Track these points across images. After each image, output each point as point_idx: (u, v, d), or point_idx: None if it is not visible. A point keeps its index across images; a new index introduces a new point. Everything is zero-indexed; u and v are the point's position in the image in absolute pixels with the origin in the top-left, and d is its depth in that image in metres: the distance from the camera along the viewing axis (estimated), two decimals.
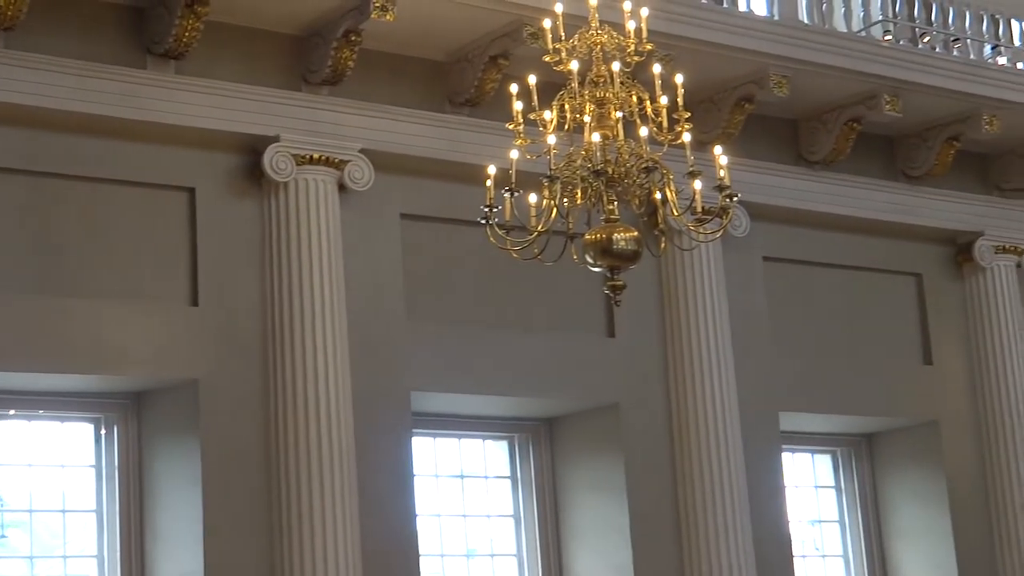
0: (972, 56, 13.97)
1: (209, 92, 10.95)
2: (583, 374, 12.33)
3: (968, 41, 14.00)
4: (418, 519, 11.56)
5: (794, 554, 13.22)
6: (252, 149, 11.15)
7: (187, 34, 10.65)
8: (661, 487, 12.41)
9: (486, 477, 12.78)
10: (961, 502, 14.04)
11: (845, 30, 13.31)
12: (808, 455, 14.38)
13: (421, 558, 11.47)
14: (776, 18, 12.80)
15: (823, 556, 14.25)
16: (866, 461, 14.51)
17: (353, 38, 11.10)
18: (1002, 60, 14.15)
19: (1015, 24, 14.46)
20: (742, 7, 12.68)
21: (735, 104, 12.74)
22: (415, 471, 11.60)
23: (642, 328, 12.59)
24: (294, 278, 10.99)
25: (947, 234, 14.48)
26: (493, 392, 12.09)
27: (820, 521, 14.34)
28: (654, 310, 12.66)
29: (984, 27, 14.16)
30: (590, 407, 12.55)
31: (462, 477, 12.67)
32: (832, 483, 14.50)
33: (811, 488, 14.36)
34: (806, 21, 13.01)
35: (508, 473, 12.85)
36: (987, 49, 14.14)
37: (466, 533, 12.59)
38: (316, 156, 11.20)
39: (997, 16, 14.29)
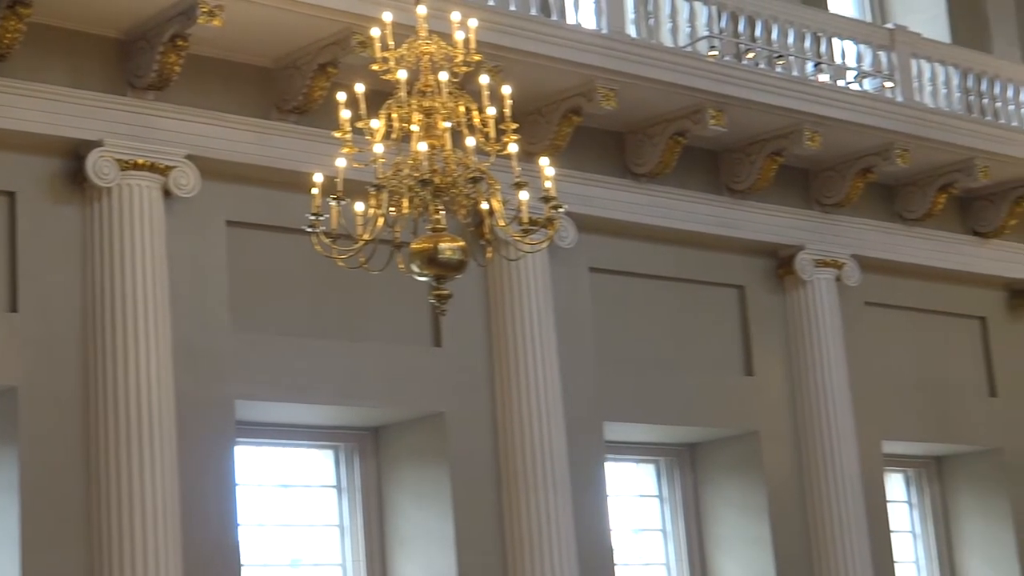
0: (795, 73, 14.21)
1: (32, 95, 10.75)
2: (409, 383, 12.32)
3: (791, 58, 14.24)
4: (241, 528, 11.46)
5: (616, 563, 13.33)
6: (75, 153, 10.97)
7: (9, 35, 10.43)
8: (486, 496, 12.44)
9: (311, 486, 12.71)
10: (780, 511, 14.27)
11: (672, 45, 13.47)
12: (631, 464, 14.51)
13: (244, 568, 11.37)
14: (604, 31, 12.91)
15: (645, 565, 14.38)
16: (688, 471, 14.69)
17: (180, 43, 10.97)
18: (824, 77, 14.41)
19: (836, 42, 14.74)
20: (570, 20, 12.76)
21: (563, 116, 12.83)
22: (239, 480, 11.50)
23: (468, 338, 12.62)
24: (116, 285, 10.83)
25: (769, 247, 14.72)
26: (318, 401, 12.02)
27: (643, 530, 14.47)
28: (480, 320, 12.70)
29: (807, 45, 14.41)
30: (416, 416, 12.55)
31: (287, 487, 12.58)
32: (655, 492, 14.65)
33: (634, 497, 14.49)
34: (634, 35, 13.15)
35: (333, 482, 12.79)
36: (809, 66, 14.39)
37: (290, 542, 12.50)
38: (140, 161, 11.05)
39: (819, 34, 14.55)
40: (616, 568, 13.27)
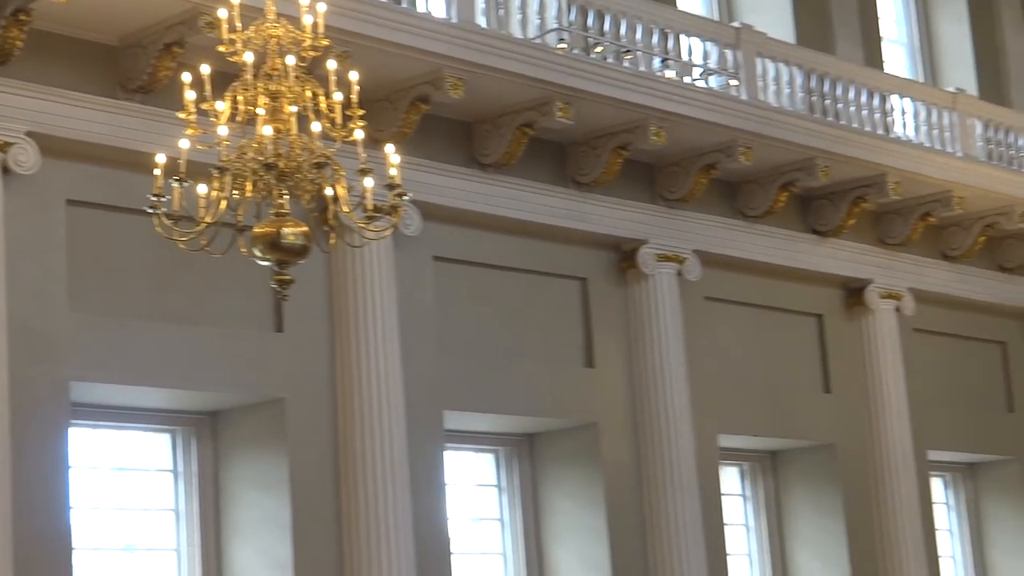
0: (642, 68, 14.32)
1: None
2: (249, 368, 12.23)
3: (639, 53, 14.36)
4: (74, 512, 11.30)
5: (453, 552, 13.36)
6: None
7: None
8: (324, 483, 12.39)
9: (147, 470, 12.57)
10: (616, 502, 14.38)
11: (521, 36, 13.51)
12: (471, 454, 14.54)
13: (76, 552, 11.21)
14: (454, 20, 12.91)
15: (482, 554, 14.42)
16: (527, 461, 14.75)
17: (22, 17, 10.76)
18: (670, 73, 14.54)
19: (684, 39, 14.88)
20: (420, 8, 12.74)
21: (410, 104, 12.81)
22: (73, 463, 11.34)
23: (310, 324, 12.55)
24: None
25: (612, 240, 14.83)
26: (156, 384, 11.89)
27: (481, 519, 14.51)
28: (322, 306, 12.64)
29: (654, 40, 14.53)
30: (255, 401, 12.46)
31: (122, 470, 12.43)
32: (494, 482, 14.70)
33: (473, 486, 14.52)
34: (483, 25, 13.17)
35: (170, 467, 12.66)
36: (656, 62, 14.51)
37: (125, 527, 12.35)
38: None
39: (667, 31, 14.68)
40: (453, 557, 13.31)
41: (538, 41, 13.56)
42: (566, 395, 14.34)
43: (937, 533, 17.71)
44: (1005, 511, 18.79)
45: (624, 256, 14.91)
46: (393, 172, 8.55)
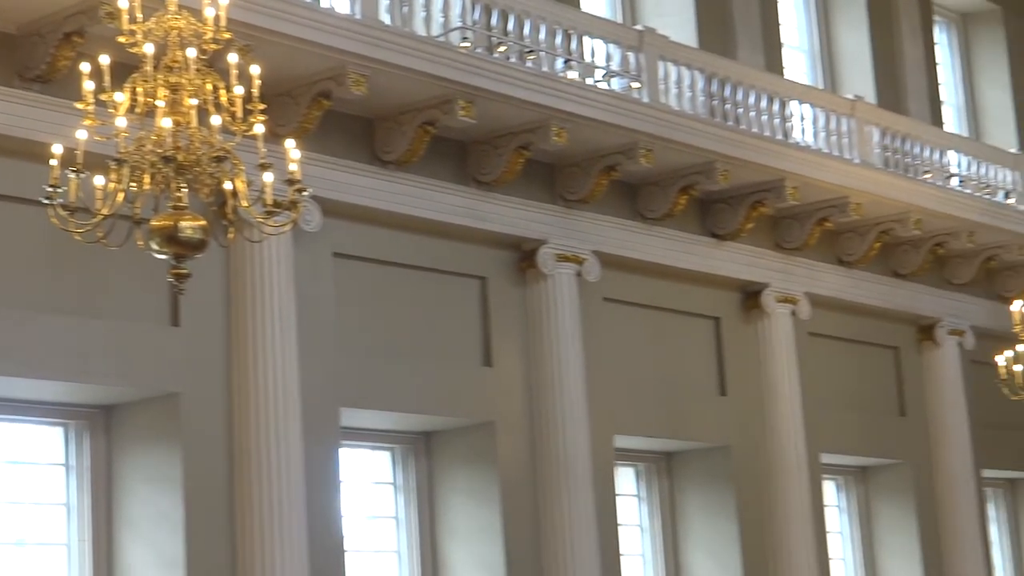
0: (545, 68, 14.35)
1: None
2: (144, 362, 12.12)
3: (542, 54, 14.38)
4: None
5: (347, 550, 13.32)
6: None
7: None
8: (218, 479, 12.30)
9: (38, 464, 12.42)
10: (512, 502, 14.41)
11: (424, 34, 13.48)
12: (367, 451, 14.50)
13: None
14: (357, 16, 12.86)
15: (377, 552, 14.39)
16: (423, 459, 14.74)
17: None
18: (573, 75, 14.58)
19: (587, 41, 14.92)
20: (324, 3, 12.68)
21: (312, 99, 12.75)
22: None
23: (206, 318, 12.46)
24: None
25: (512, 240, 14.85)
26: (49, 376, 11.75)
27: (376, 517, 14.48)
28: (219, 301, 12.55)
29: (558, 41, 14.56)
30: (149, 396, 12.35)
31: (14, 463, 12.28)
32: (390, 480, 14.67)
33: (369, 484, 14.49)
34: (387, 22, 13.13)
35: (62, 460, 12.52)
36: (559, 63, 14.55)
37: (15, 521, 12.20)
38: None
39: (571, 32, 14.72)
40: (347, 555, 13.27)
41: (441, 39, 13.55)
42: (463, 394, 14.35)
43: (828, 535, 17.89)
44: (895, 514, 19.02)
45: (524, 256, 14.94)
46: (293, 167, 8.51)
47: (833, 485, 18.98)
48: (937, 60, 22.00)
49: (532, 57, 14.28)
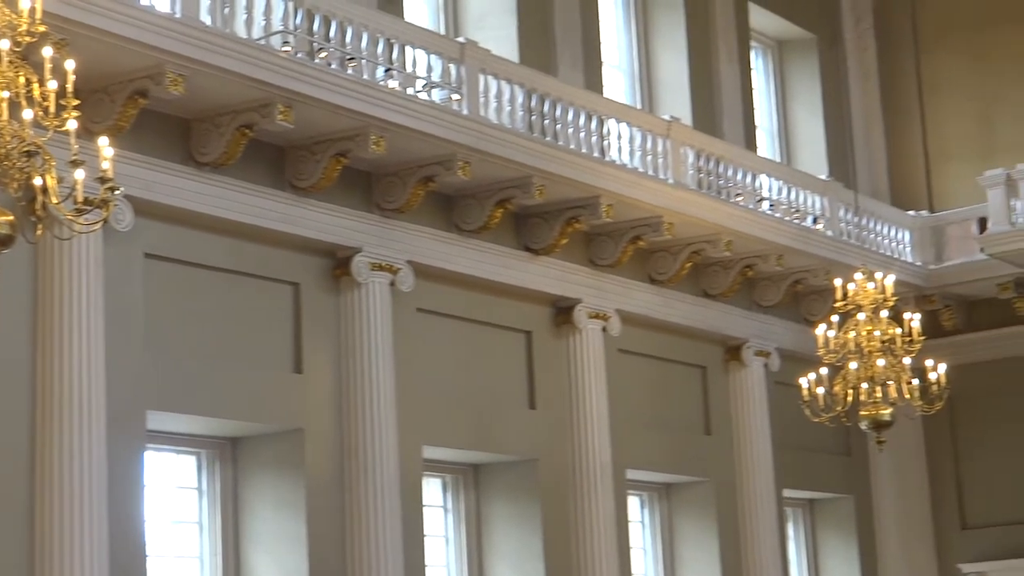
0: (366, 76, 14.32)
1: None
2: None
3: (363, 61, 14.35)
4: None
5: (149, 554, 13.14)
6: None
7: None
8: (20, 480, 12.02)
9: None
10: (318, 510, 14.33)
11: (245, 36, 13.38)
12: (172, 455, 14.33)
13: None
14: (177, 15, 12.72)
15: (179, 557, 14.21)
16: (230, 464, 14.59)
17: None
18: (393, 84, 14.58)
19: (409, 51, 14.92)
20: (144, 0, 12.52)
21: (128, 97, 12.59)
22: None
23: (11, 315, 12.19)
24: None
25: (327, 247, 14.79)
26: None
27: (180, 522, 14.30)
28: (26, 299, 12.29)
29: (379, 50, 14.55)
30: None
31: None
32: (195, 485, 14.51)
33: (173, 488, 14.31)
34: (208, 22, 13.00)
35: None
36: (380, 71, 14.53)
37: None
38: None
39: (392, 41, 14.71)
40: (148, 560, 13.08)
41: (262, 42, 13.45)
42: (272, 400, 14.24)
43: (632, 551, 18.09)
44: (697, 531, 19.29)
45: (338, 263, 14.88)
46: (106, 165, 8.40)
47: (638, 501, 19.19)
48: (753, 85, 22.41)
49: (353, 64, 14.24)
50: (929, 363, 16.04)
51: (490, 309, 16.57)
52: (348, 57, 14.21)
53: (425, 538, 15.54)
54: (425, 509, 15.67)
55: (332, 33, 14.14)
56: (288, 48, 13.61)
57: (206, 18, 13.04)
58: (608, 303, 17.74)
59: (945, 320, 22.34)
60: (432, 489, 16.50)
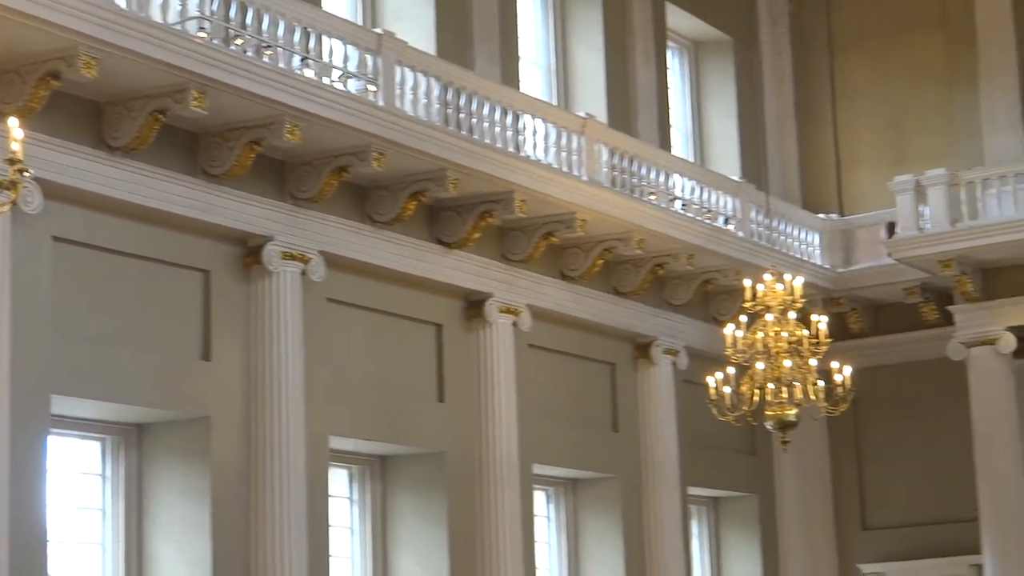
0: (282, 65, 14.27)
1: None
2: None
3: (279, 50, 14.30)
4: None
5: (51, 540, 13.03)
6: None
7: None
8: None
9: None
10: (223, 498, 14.27)
11: (161, 20, 13.28)
12: (77, 440, 14.21)
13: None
14: None
15: (81, 544, 14.11)
16: (135, 451, 14.50)
17: None
18: (309, 73, 14.53)
19: (325, 40, 14.88)
20: None
21: (40, 79, 12.47)
22: None
23: None
24: None
25: (238, 235, 14.73)
26: None
27: (83, 508, 14.19)
28: None
29: (296, 39, 14.50)
30: None
31: None
32: (99, 471, 14.40)
33: (77, 474, 14.20)
34: (123, 5, 12.91)
35: None
36: (296, 60, 14.48)
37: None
38: None
39: (309, 30, 14.67)
40: (49, 546, 12.98)
41: (178, 27, 13.36)
42: (180, 387, 14.17)
43: (537, 545, 18.15)
44: (602, 527, 19.39)
45: (249, 251, 14.83)
46: (15, 147, 8.34)
47: (544, 496, 19.25)
48: (669, 85, 22.52)
49: (269, 52, 14.19)
50: (835, 365, 16.18)
51: (401, 301, 16.56)
52: (264, 45, 14.16)
53: (330, 529, 15.52)
54: (331, 500, 15.64)
55: (249, 20, 14.07)
56: (204, 34, 13.53)
57: (121, 1, 12.94)
58: (519, 298, 17.78)
59: (852, 323, 22.58)
60: (338, 480, 16.47)
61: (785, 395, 15.60)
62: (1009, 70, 22.63)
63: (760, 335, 15.72)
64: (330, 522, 15.54)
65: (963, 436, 20.99)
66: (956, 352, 21.13)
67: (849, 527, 22.88)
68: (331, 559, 15.49)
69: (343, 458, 16.38)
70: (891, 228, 21.76)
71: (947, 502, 21.97)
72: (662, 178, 19.29)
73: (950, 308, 21.29)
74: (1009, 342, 20.77)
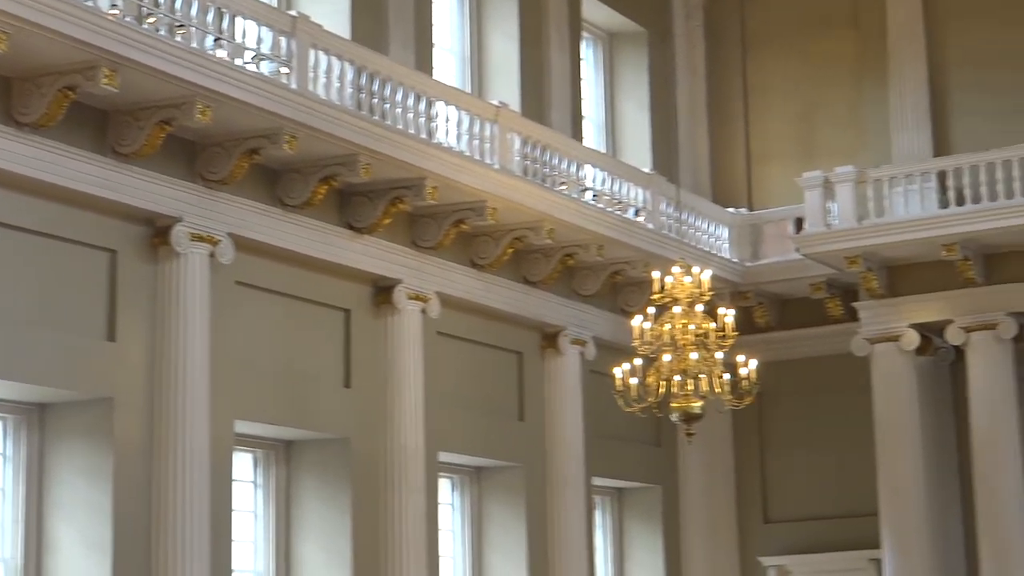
0: (194, 45, 14.15)
1: None
2: None
3: (192, 29, 14.18)
4: None
5: None
6: None
7: None
8: None
9: None
10: (125, 480, 14.16)
11: None
12: None
13: None
14: None
15: None
16: (36, 431, 14.34)
17: None
18: (222, 53, 14.42)
19: (239, 21, 14.77)
20: None
21: None
22: None
23: None
24: None
25: (146, 215, 14.60)
26: None
27: None
28: None
29: (209, 18, 14.38)
30: None
31: None
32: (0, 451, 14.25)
33: None
34: None
35: None
36: (209, 40, 14.37)
37: None
38: None
39: (223, 10, 14.56)
40: None
41: (89, 3, 13.21)
42: (83, 367, 14.03)
43: (440, 532, 18.15)
44: (506, 515, 19.42)
45: (157, 232, 14.70)
46: None
47: (449, 483, 19.25)
48: (582, 76, 22.56)
49: (182, 31, 14.07)
50: (741, 359, 16.27)
51: (310, 285, 16.49)
52: (177, 24, 14.04)
53: (233, 513, 15.43)
54: (235, 484, 15.55)
55: None
56: (116, 11, 13.39)
57: None
58: (428, 285, 17.76)
59: (758, 317, 22.74)
60: (243, 464, 16.38)
61: (691, 387, 15.65)
62: (918, 69, 22.86)
63: (667, 327, 15.78)
64: (233, 506, 15.46)
65: (865, 432, 21.20)
66: (860, 348, 21.34)
67: (751, 520, 23.06)
68: (234, 543, 15.40)
69: (248, 442, 16.30)
70: (799, 223, 21.94)
71: (848, 497, 22.20)
72: (574, 168, 19.33)
73: (855, 304, 21.51)
74: (912, 339, 21.00)
